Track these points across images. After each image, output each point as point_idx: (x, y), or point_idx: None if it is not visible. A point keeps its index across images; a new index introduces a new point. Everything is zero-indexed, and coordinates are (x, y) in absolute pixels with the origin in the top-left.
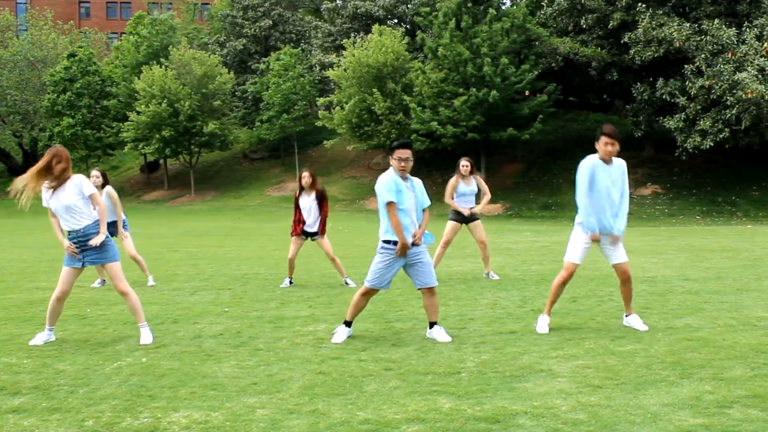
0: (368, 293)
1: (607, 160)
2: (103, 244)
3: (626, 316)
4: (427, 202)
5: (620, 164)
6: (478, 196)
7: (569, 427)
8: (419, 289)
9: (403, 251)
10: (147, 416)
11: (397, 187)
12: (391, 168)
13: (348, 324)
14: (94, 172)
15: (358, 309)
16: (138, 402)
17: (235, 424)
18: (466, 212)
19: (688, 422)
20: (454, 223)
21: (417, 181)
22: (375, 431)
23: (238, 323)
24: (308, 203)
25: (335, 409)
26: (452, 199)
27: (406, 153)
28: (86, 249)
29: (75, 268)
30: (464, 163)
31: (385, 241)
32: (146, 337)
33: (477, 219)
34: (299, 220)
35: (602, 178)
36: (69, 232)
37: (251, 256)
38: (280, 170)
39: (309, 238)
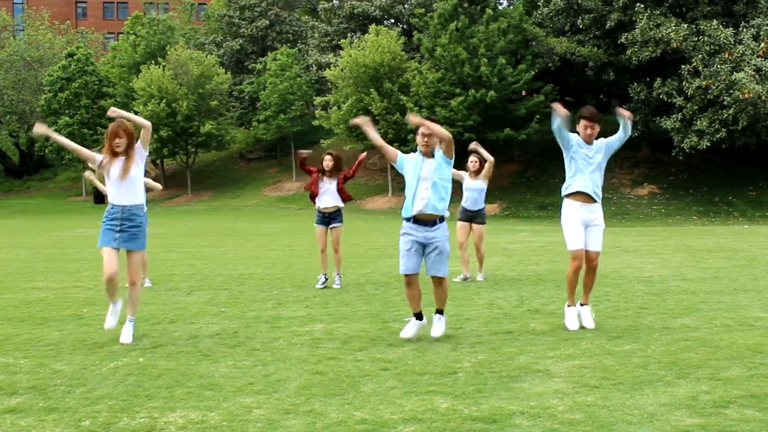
0: (408, 282)
1: (588, 141)
2: (139, 230)
3: (581, 304)
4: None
5: (600, 141)
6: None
7: (566, 427)
8: (430, 276)
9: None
10: (144, 416)
11: (407, 159)
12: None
13: (418, 317)
14: None
15: (414, 299)
16: (135, 402)
17: (232, 424)
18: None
19: (684, 422)
20: (463, 223)
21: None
22: (372, 431)
23: (235, 323)
24: (326, 187)
25: (332, 409)
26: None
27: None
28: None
29: (114, 248)
30: (473, 159)
31: (404, 219)
32: (127, 332)
33: (483, 224)
34: (314, 192)
35: (581, 152)
36: (115, 205)
37: (248, 256)
38: (277, 170)
39: (327, 226)
